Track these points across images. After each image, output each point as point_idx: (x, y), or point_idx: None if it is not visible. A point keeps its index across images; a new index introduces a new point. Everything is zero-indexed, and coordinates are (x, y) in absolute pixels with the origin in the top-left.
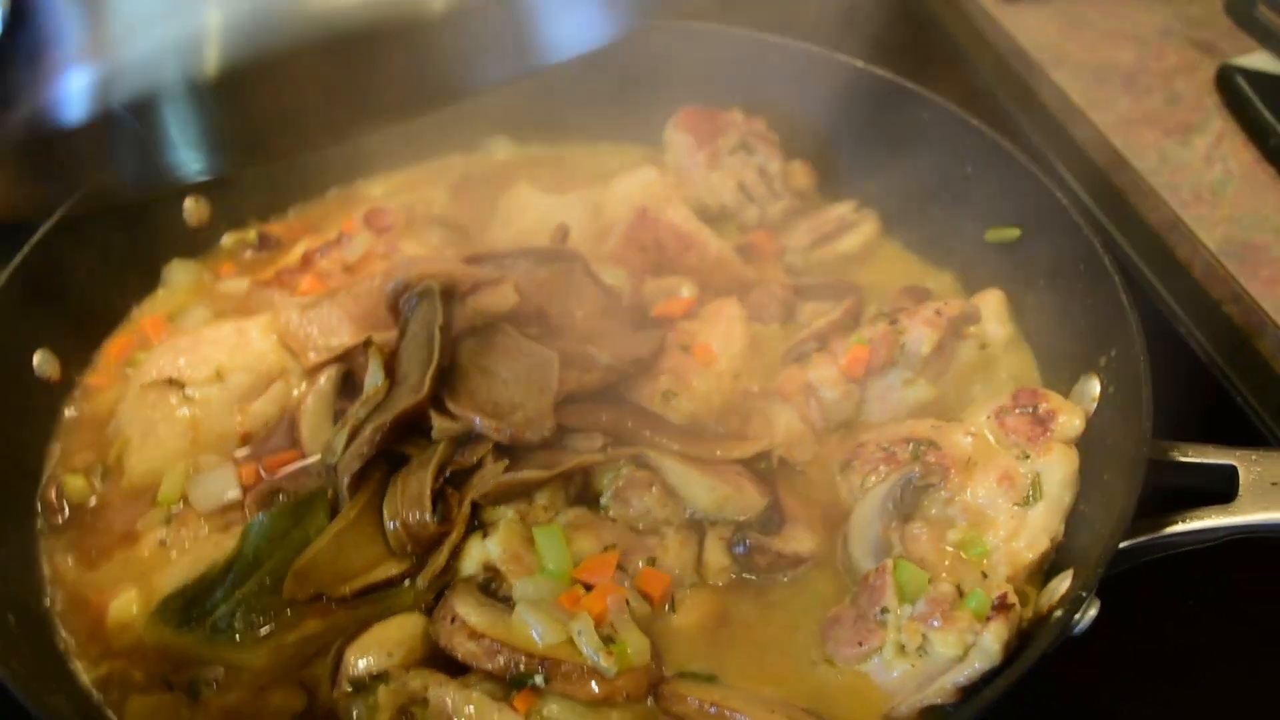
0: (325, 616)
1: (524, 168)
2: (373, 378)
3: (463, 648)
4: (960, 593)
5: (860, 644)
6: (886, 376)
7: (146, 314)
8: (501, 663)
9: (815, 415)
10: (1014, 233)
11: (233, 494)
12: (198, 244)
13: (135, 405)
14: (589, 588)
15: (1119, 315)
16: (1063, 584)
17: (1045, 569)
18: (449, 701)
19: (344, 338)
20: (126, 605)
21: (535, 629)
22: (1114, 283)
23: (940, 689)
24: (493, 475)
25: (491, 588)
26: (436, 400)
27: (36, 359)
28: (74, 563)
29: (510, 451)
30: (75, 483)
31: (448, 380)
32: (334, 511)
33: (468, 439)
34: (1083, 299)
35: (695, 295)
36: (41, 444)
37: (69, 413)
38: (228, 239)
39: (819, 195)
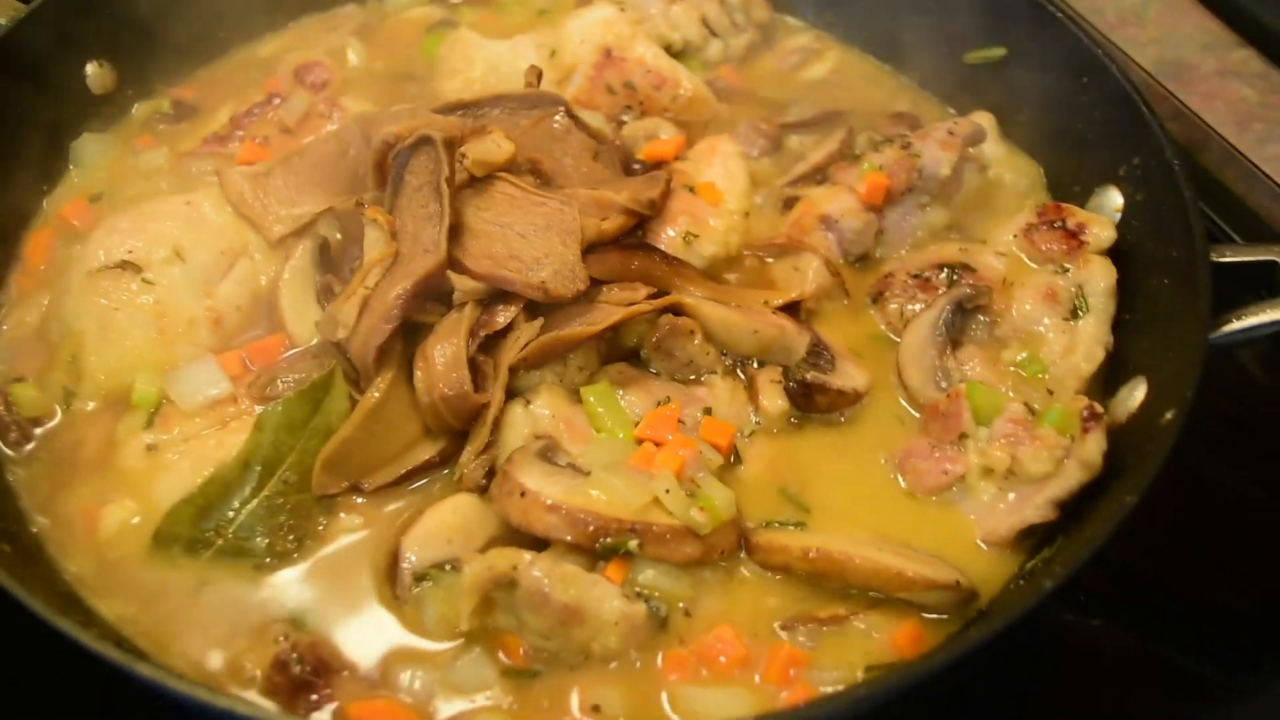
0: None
1: (434, 11)
2: (374, 242)
3: (541, 521)
4: (1031, 411)
5: (944, 473)
6: (902, 203)
7: (63, 199)
8: (590, 532)
9: (834, 249)
10: (999, 52)
11: (222, 387)
12: (106, 116)
13: (84, 296)
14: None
15: (1136, 124)
16: (1135, 392)
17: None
18: (543, 580)
19: (306, 205)
20: (123, 518)
21: (619, 493)
22: (1126, 92)
23: (1039, 507)
24: (528, 336)
25: (550, 456)
26: (452, 260)
27: None
28: (51, 483)
29: (540, 309)
30: (25, 393)
31: (456, 238)
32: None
33: (492, 300)
34: (1086, 113)
35: (682, 135)
36: None
37: (4, 325)
38: (139, 109)
39: (778, 26)
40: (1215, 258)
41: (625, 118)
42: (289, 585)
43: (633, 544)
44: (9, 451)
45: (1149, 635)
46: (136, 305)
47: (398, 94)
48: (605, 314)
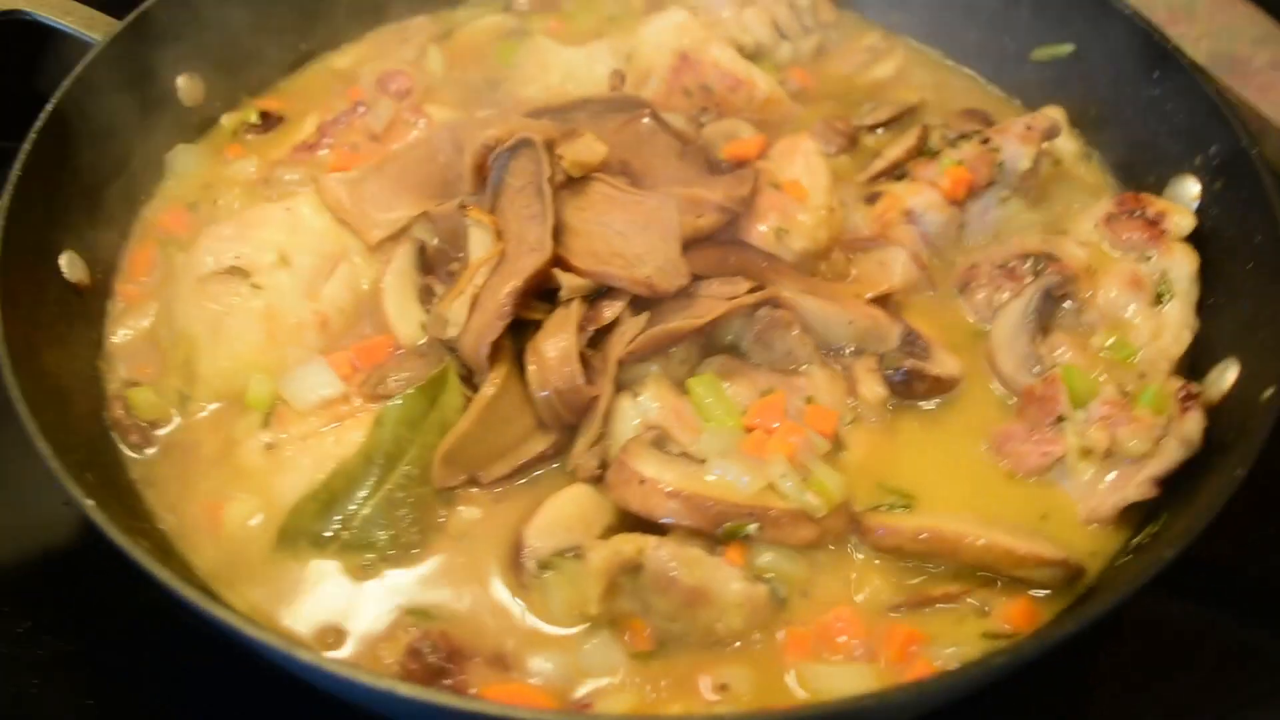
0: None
1: (505, 20)
2: (480, 241)
3: (662, 507)
4: (1124, 393)
5: (1045, 454)
6: (983, 197)
7: (160, 208)
8: (711, 517)
9: (919, 243)
10: (1066, 48)
11: (334, 387)
12: (197, 128)
13: (194, 301)
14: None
15: (1210, 114)
16: (1226, 373)
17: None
18: (670, 563)
19: (402, 209)
20: (246, 513)
21: (736, 478)
22: (1198, 84)
23: (1140, 484)
24: (634, 330)
25: (662, 445)
26: (557, 258)
27: (63, 262)
28: (174, 482)
29: (643, 304)
30: (142, 397)
31: (559, 237)
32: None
33: (597, 296)
34: (1158, 106)
35: (763, 135)
36: (92, 362)
37: (116, 335)
38: (227, 119)
39: (844, 26)
40: None
41: (703, 119)
42: (415, 575)
43: (752, 528)
44: (132, 454)
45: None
46: (246, 309)
47: (478, 100)
48: (708, 308)
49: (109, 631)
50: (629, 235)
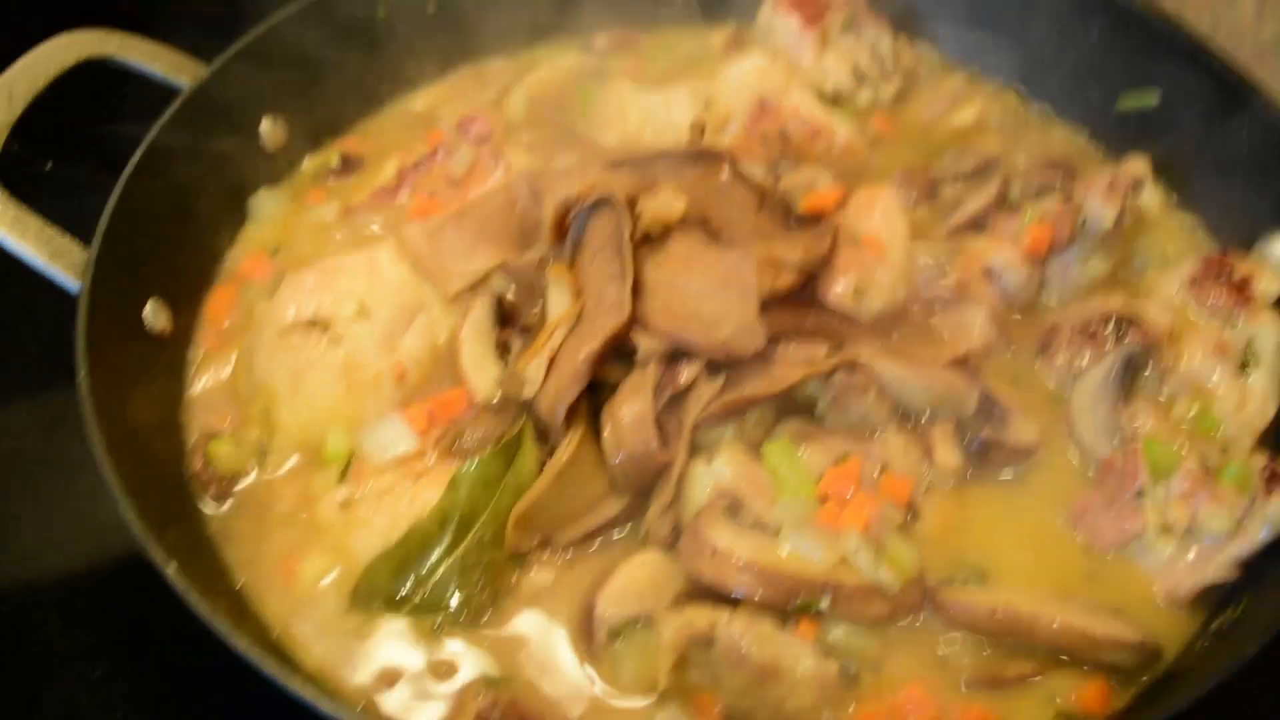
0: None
1: (585, 61)
2: (559, 300)
3: (734, 580)
4: (1206, 468)
5: (1123, 530)
6: (1064, 254)
7: (242, 254)
8: (783, 592)
9: (997, 300)
10: (1153, 96)
11: (410, 443)
12: (278, 171)
13: (275, 353)
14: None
15: None
16: None
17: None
18: (741, 638)
19: (480, 260)
20: (320, 571)
21: (810, 552)
22: None
23: (1221, 565)
24: (710, 394)
25: (735, 514)
26: (634, 318)
27: (147, 310)
28: (250, 537)
29: (719, 366)
30: (222, 449)
31: (637, 296)
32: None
33: (673, 358)
34: (1252, 156)
35: (842, 187)
36: (173, 413)
37: (196, 384)
38: (308, 163)
39: (925, 71)
40: None
41: (779, 168)
42: (485, 640)
43: (824, 603)
44: (208, 510)
45: None
46: (326, 361)
47: (556, 145)
48: (786, 372)
49: (163, 651)
50: (706, 295)
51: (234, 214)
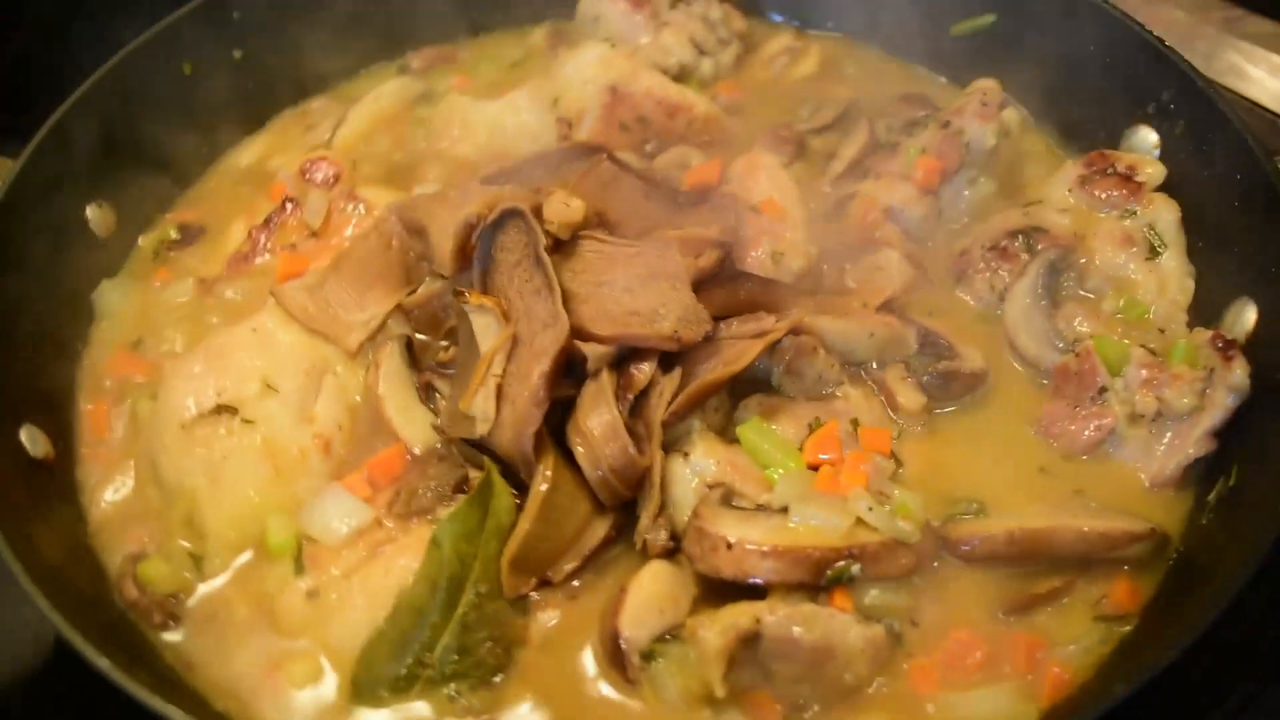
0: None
1: (408, 85)
2: (486, 326)
3: (760, 568)
4: (1153, 352)
5: (1097, 428)
6: (953, 181)
7: (102, 356)
8: (812, 567)
9: (902, 238)
10: (988, 19)
11: (363, 514)
12: (114, 259)
13: (182, 452)
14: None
15: (1156, 60)
16: (1244, 313)
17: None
18: (790, 626)
19: (373, 307)
20: (307, 674)
21: (824, 521)
22: (1136, 33)
23: (1198, 441)
24: (671, 388)
25: (733, 503)
26: (574, 330)
27: (24, 438)
28: (215, 657)
29: (673, 360)
30: (154, 569)
31: (567, 307)
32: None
33: (622, 361)
34: (1095, 61)
35: (716, 158)
36: (83, 542)
37: (98, 505)
38: (144, 241)
39: (756, 33)
40: None
41: (647, 151)
42: (511, 697)
43: (854, 568)
44: (162, 637)
45: None
46: (243, 448)
47: (410, 174)
48: (739, 350)
49: None
50: (636, 290)
51: (81, 314)
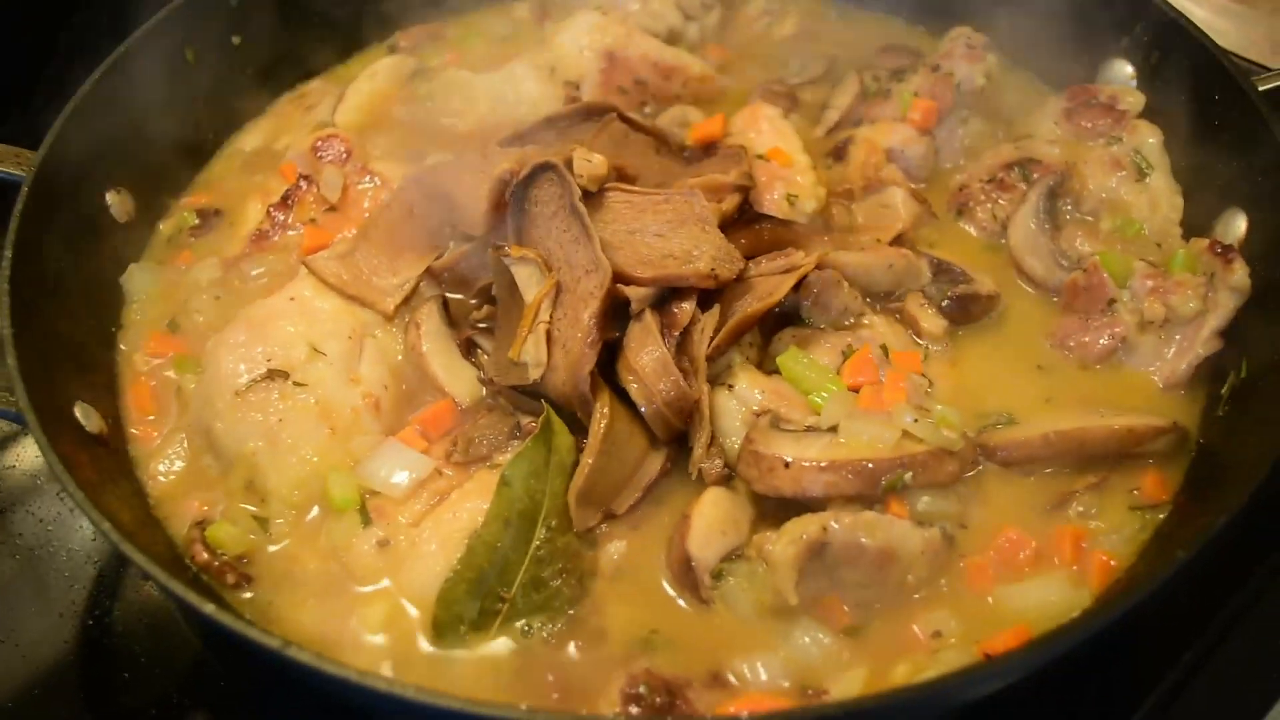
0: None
1: (403, 63)
2: (531, 277)
3: (819, 483)
4: (1153, 264)
5: (1110, 337)
6: (946, 121)
7: (139, 337)
8: (869, 478)
9: (905, 177)
10: None
11: (424, 465)
12: (137, 245)
13: (237, 419)
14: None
15: None
16: (1235, 221)
17: None
18: (856, 532)
19: (405, 270)
20: (385, 618)
21: (875, 436)
22: None
23: (1206, 341)
24: (712, 323)
25: (783, 426)
26: (615, 275)
27: (79, 414)
28: (292, 612)
29: (711, 298)
30: (223, 531)
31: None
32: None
33: (662, 301)
34: (1069, 1)
35: (717, 114)
36: (148, 514)
37: (155, 478)
38: (164, 227)
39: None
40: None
41: (646, 112)
42: (592, 624)
43: (907, 477)
44: (239, 595)
45: None
46: (299, 410)
47: (416, 146)
48: (772, 285)
49: None
50: (667, 235)
51: (114, 298)
